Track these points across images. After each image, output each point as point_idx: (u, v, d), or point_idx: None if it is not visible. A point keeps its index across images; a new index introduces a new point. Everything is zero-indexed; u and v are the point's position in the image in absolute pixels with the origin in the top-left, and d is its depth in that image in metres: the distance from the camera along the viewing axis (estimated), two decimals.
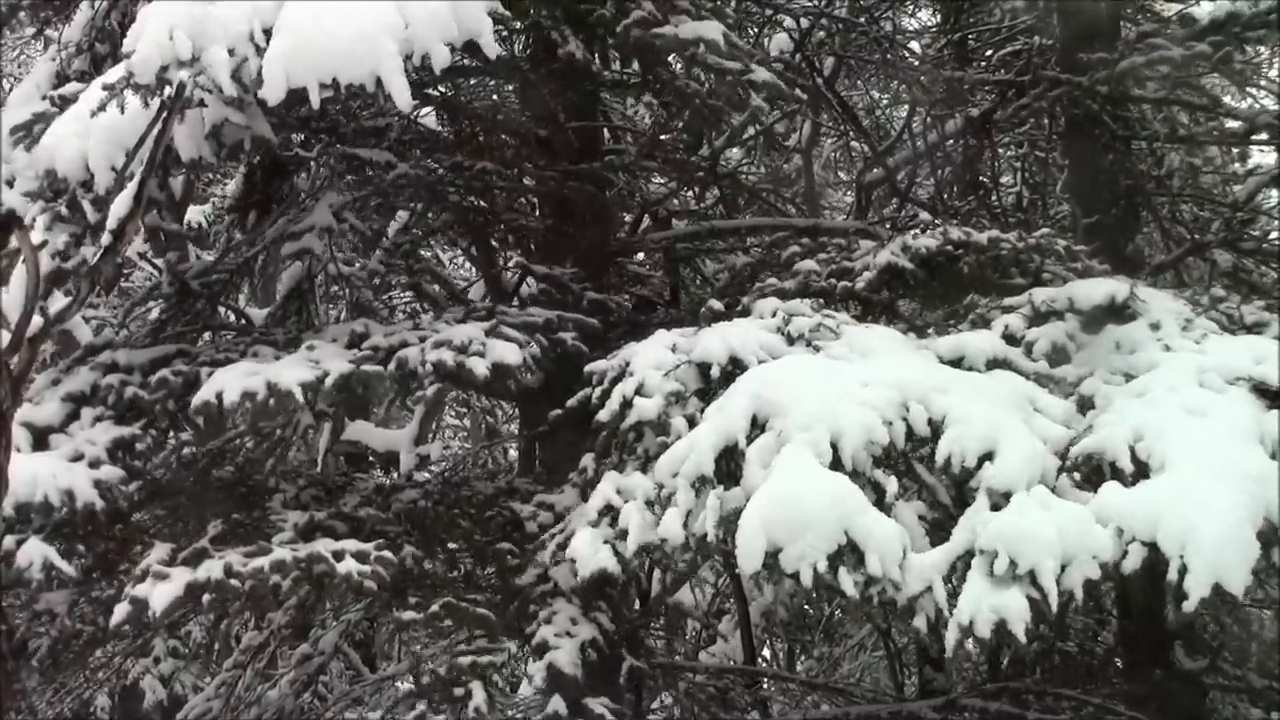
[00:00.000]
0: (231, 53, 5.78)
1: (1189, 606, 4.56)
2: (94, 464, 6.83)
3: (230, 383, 6.57)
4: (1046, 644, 9.74)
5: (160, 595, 6.28)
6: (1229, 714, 10.45)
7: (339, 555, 6.48)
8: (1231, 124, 9.68)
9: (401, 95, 5.71)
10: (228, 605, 7.76)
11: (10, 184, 6.98)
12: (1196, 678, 8.92)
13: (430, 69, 5.93)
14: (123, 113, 6.13)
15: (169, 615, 6.44)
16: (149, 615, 6.31)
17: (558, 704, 6.49)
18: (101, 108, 6.14)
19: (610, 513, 5.57)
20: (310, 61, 5.68)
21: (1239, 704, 10.26)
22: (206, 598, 6.44)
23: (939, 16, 12.11)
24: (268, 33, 5.77)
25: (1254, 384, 5.36)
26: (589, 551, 5.57)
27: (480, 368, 6.68)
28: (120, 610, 6.33)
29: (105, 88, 6.14)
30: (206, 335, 8.60)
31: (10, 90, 9.77)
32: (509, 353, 6.80)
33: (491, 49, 6.11)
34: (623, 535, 5.42)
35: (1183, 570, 4.56)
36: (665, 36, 7.06)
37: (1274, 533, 4.72)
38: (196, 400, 6.63)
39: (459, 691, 6.50)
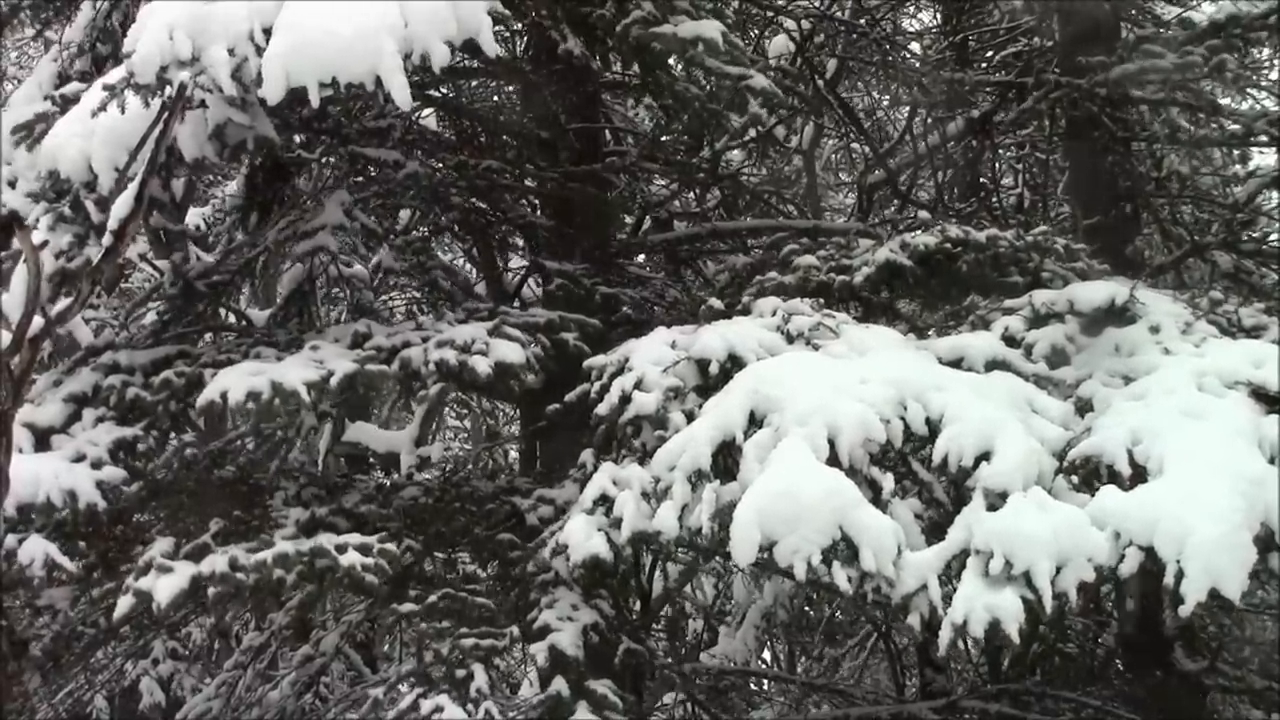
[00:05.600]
0: (232, 52, 5.79)
1: (1185, 611, 4.56)
2: (96, 464, 6.83)
3: (235, 383, 6.56)
4: (1047, 645, 9.74)
5: (164, 588, 6.27)
6: (1229, 715, 10.45)
7: (342, 548, 6.50)
8: (1231, 126, 9.68)
9: (401, 94, 5.71)
10: (231, 600, 7.76)
11: (13, 185, 6.99)
12: (1196, 679, 8.92)
13: (431, 69, 5.93)
14: (123, 112, 6.14)
15: (174, 608, 6.44)
16: (154, 608, 6.29)
17: (560, 685, 6.50)
18: (102, 108, 6.15)
19: (605, 502, 5.60)
20: (310, 60, 5.68)
21: (1239, 705, 10.25)
22: (211, 591, 6.44)
23: (939, 18, 12.13)
24: (268, 32, 5.77)
25: (1252, 388, 5.36)
26: (581, 537, 5.59)
27: (483, 366, 6.69)
28: (124, 603, 6.31)
29: (106, 88, 6.15)
30: (208, 337, 8.61)
31: (12, 92, 9.79)
32: (511, 352, 6.80)
33: (491, 47, 6.11)
34: (617, 523, 5.45)
35: (1179, 574, 4.56)
36: (664, 36, 7.09)
37: (1271, 537, 4.71)
38: (201, 400, 6.63)
39: (461, 673, 6.50)
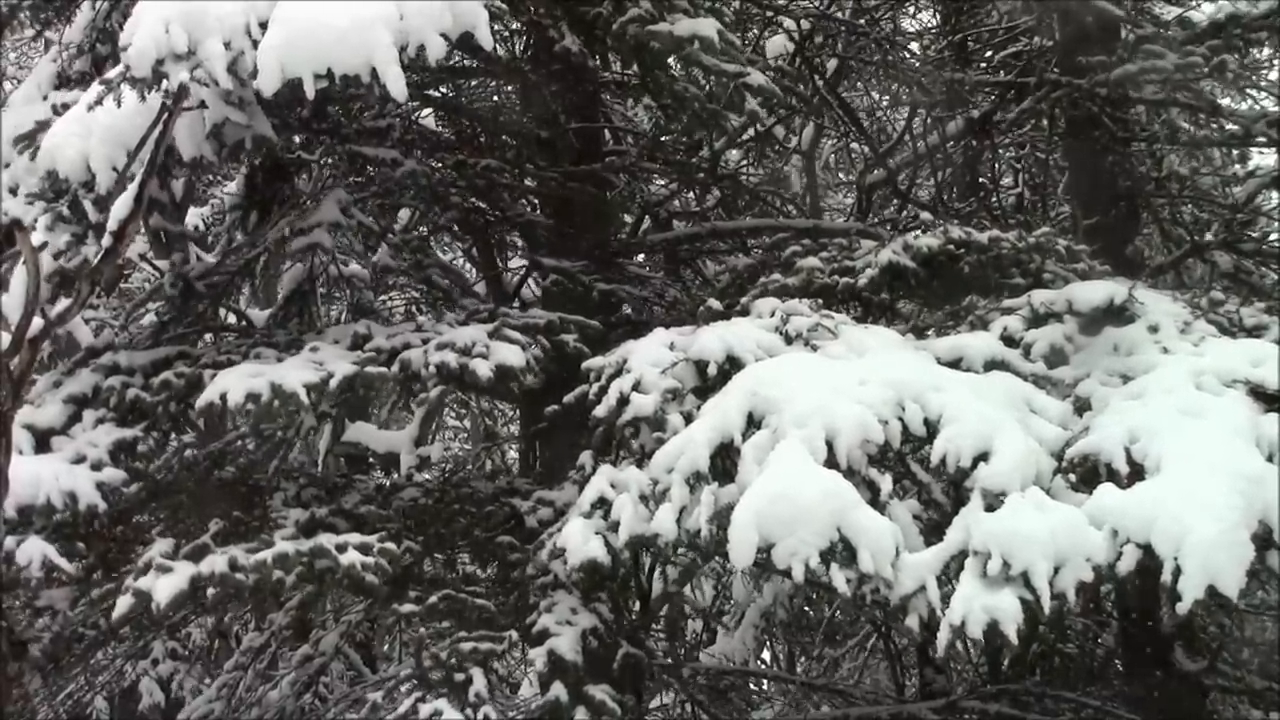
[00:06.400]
0: (228, 46, 5.78)
1: (1183, 608, 4.57)
2: (96, 466, 6.83)
3: (234, 384, 6.57)
4: (1047, 646, 9.74)
5: (164, 587, 6.26)
6: (1229, 715, 10.44)
7: (341, 548, 6.50)
8: (1231, 126, 9.68)
9: (396, 85, 5.70)
10: (231, 600, 7.76)
11: (14, 192, 6.98)
12: (1196, 679, 8.92)
13: (429, 66, 5.93)
14: (119, 106, 6.13)
15: (173, 608, 6.43)
16: (153, 608, 6.28)
17: (559, 690, 6.50)
18: (98, 101, 6.15)
19: (603, 505, 5.59)
20: (304, 51, 5.68)
21: (1239, 705, 10.24)
22: (210, 591, 6.43)
23: (939, 18, 12.12)
24: (263, 26, 5.76)
25: (1251, 387, 5.36)
26: (579, 541, 5.58)
27: (484, 369, 6.70)
28: (123, 603, 6.29)
29: (103, 82, 6.15)
30: (208, 337, 8.61)
31: (11, 92, 9.78)
32: (512, 355, 6.81)
33: (488, 41, 6.10)
34: (614, 527, 5.44)
35: (1176, 572, 4.56)
36: (660, 34, 7.13)
37: (1269, 535, 4.71)
38: (200, 401, 6.63)
39: (460, 677, 6.51)
